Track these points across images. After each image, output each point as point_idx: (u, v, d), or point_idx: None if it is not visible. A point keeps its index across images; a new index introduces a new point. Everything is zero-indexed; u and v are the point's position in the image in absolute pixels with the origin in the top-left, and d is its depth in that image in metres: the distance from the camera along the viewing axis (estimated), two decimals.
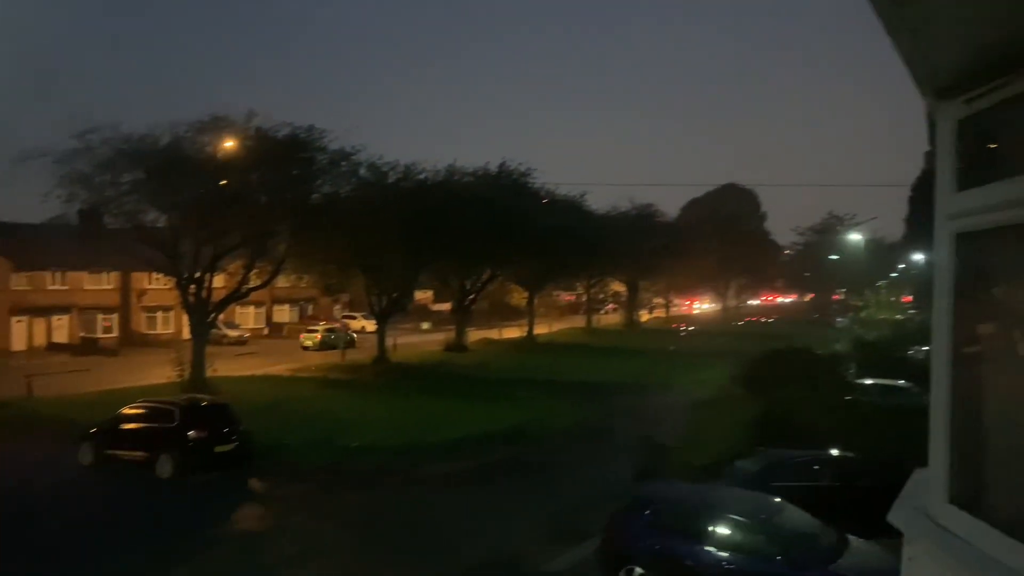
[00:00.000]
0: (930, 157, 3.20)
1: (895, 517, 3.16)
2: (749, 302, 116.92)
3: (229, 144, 29.83)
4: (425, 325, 65.26)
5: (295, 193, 32.42)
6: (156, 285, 48.74)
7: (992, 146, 2.82)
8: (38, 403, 26.85)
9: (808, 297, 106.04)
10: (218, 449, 18.80)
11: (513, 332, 57.30)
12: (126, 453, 18.99)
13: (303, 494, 17.75)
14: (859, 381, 24.52)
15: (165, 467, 18.35)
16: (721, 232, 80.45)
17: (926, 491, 3.06)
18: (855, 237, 65.74)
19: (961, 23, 2.40)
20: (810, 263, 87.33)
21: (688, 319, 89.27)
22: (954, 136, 2.84)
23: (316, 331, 49.98)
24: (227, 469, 18.78)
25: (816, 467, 14.33)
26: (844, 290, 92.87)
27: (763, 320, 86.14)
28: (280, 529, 15.58)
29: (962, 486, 2.85)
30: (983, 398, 2.89)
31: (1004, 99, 2.57)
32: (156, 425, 18.97)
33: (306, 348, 47.29)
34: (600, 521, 12.15)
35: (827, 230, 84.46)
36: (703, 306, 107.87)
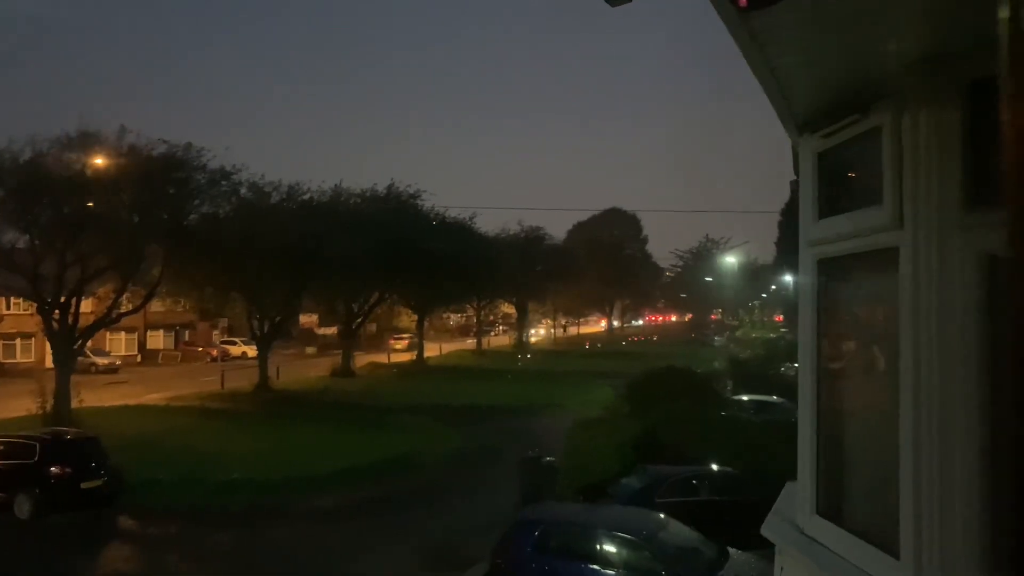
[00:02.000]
0: (794, 185, 3.42)
1: (768, 529, 3.32)
2: (633, 322, 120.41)
3: (98, 161, 28.21)
4: (310, 350, 63.57)
5: (171, 213, 30.97)
6: (15, 310, 45.42)
7: (847, 178, 3.04)
8: None
9: (688, 317, 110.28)
10: (84, 485, 17.54)
11: (402, 356, 56.64)
12: None
13: (176, 533, 16.84)
14: (735, 397, 25.64)
15: (24, 507, 16.96)
16: (605, 255, 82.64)
17: (795, 503, 3.23)
18: (729, 260, 69.09)
19: (813, 66, 2.59)
20: (688, 285, 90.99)
21: (575, 339, 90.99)
22: (814, 168, 3.05)
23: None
24: (94, 507, 17.54)
25: (697, 482, 14.84)
26: (720, 310, 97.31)
27: (646, 339, 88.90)
28: (151, 572, 14.69)
29: (827, 498, 3.02)
30: (845, 413, 3.08)
31: (856, 135, 2.77)
32: (13, 462, 17.54)
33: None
34: (488, 546, 12.11)
35: (703, 253, 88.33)
36: (602, 324, 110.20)
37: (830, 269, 3.05)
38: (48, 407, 27.67)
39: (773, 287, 63.59)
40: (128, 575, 14.62)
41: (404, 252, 40.06)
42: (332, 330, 63.89)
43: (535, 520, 12.26)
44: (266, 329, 39.55)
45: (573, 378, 43.33)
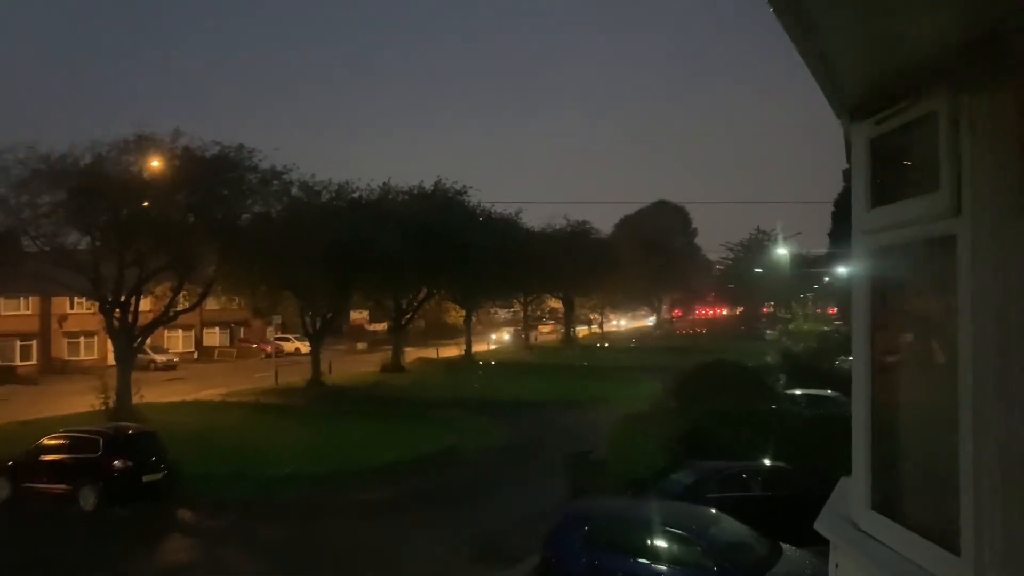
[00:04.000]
0: (847, 174, 3.34)
1: (822, 525, 3.25)
2: (682, 317, 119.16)
3: (154, 164, 29.00)
4: (361, 345, 64.42)
5: (224, 213, 31.67)
6: (79, 310, 46.97)
7: (901, 165, 2.95)
8: None
9: (738, 311, 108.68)
10: (145, 479, 18.14)
11: (450, 351, 57.04)
12: (46, 486, 18.13)
13: (231, 525, 17.24)
14: (787, 392, 25.19)
15: (88, 499, 17.59)
16: (652, 249, 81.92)
17: (850, 499, 3.16)
18: (781, 252, 67.78)
19: (865, 50, 2.52)
20: (739, 278, 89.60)
21: (623, 333, 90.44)
22: (867, 155, 2.97)
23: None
24: (154, 500, 18.12)
25: (748, 477, 14.63)
26: (772, 304, 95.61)
27: (695, 333, 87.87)
28: (208, 563, 15.09)
29: (882, 492, 2.95)
30: (901, 407, 3.00)
31: (910, 120, 2.69)
32: (79, 456, 18.20)
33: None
34: (535, 540, 12.12)
35: (754, 245, 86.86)
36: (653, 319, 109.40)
37: (884, 258, 2.97)
38: (110, 403, 28.59)
39: (826, 279, 62.21)
40: (186, 566, 15.04)
41: (451, 248, 40.32)
42: (382, 326, 64.68)
43: (584, 514, 12.24)
44: (318, 326, 40.23)
45: (620, 373, 43.08)
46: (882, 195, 2.92)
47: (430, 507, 17.82)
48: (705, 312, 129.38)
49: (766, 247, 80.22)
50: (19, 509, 18.03)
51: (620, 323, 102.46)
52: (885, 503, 2.89)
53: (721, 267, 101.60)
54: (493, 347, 64.69)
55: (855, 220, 3.10)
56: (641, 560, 10.92)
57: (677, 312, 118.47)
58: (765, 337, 60.15)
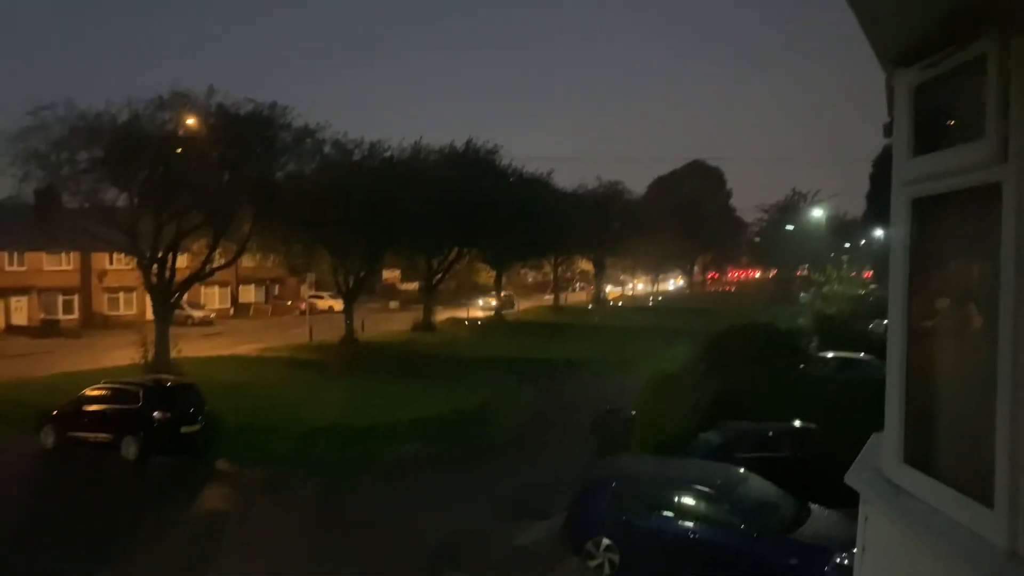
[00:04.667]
0: (889, 128, 3.26)
1: (852, 478, 3.25)
2: (718, 279, 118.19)
3: (189, 121, 29.22)
4: (393, 304, 64.98)
5: (258, 171, 31.91)
6: (117, 266, 47.89)
7: (945, 112, 2.87)
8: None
9: (772, 273, 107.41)
10: (184, 430, 18.61)
11: (481, 311, 57.31)
12: (89, 435, 18.71)
13: (268, 476, 17.65)
14: (820, 355, 24.96)
15: (130, 449, 18.13)
16: (685, 210, 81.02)
17: (882, 453, 3.15)
18: (817, 214, 66.66)
19: None
20: (773, 240, 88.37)
21: (655, 295, 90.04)
22: (910, 102, 2.89)
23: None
24: (193, 451, 18.61)
25: (778, 438, 14.60)
26: (806, 266, 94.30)
27: (727, 295, 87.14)
28: (245, 513, 15.51)
29: (915, 446, 2.93)
30: (936, 361, 2.97)
31: (958, 65, 2.61)
32: (120, 407, 18.72)
33: None
34: (565, 498, 12.27)
35: (790, 207, 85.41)
36: (680, 283, 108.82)
37: (925, 210, 2.91)
38: (149, 357, 29.29)
39: (863, 242, 61.10)
40: (225, 515, 15.48)
41: (482, 208, 40.26)
42: (413, 286, 65.10)
43: (612, 473, 12.35)
44: (351, 284, 40.62)
45: (651, 335, 43.01)
46: (924, 144, 2.85)
47: (461, 464, 18.08)
48: (738, 274, 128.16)
49: (802, 209, 78.94)
50: (64, 457, 18.67)
51: (651, 285, 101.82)
52: (917, 457, 2.88)
53: (755, 229, 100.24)
54: (523, 307, 64.84)
55: (895, 171, 3.04)
56: (669, 518, 11.03)
57: (714, 274, 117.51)
58: (798, 300, 59.40)
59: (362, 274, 41.31)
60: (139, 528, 14.11)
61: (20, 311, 48.00)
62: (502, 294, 60.65)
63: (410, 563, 11.99)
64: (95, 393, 19.35)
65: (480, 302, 59.43)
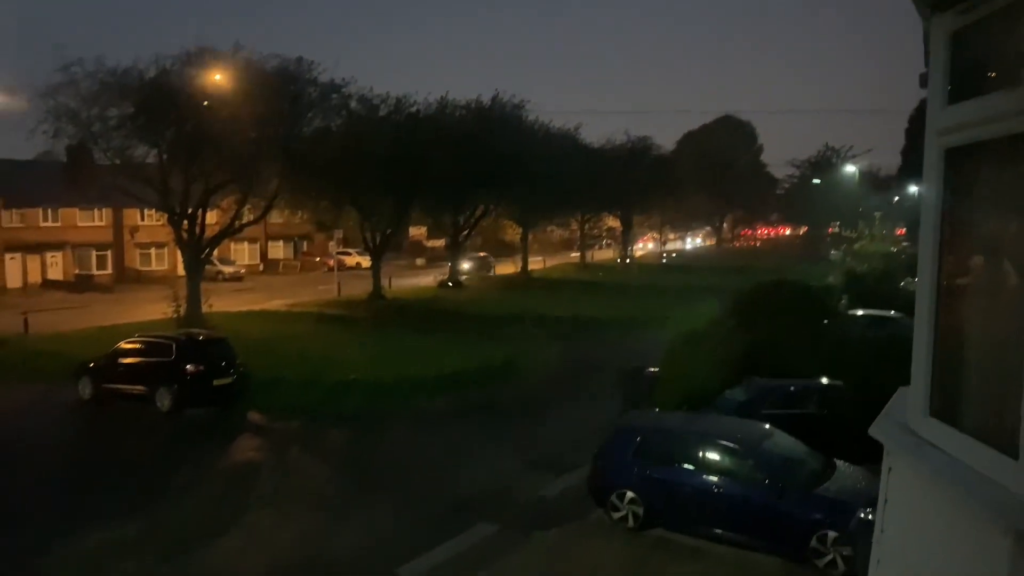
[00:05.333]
0: (925, 78, 3.18)
1: (876, 431, 3.25)
2: (750, 236, 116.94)
3: (217, 77, 29.23)
4: (420, 261, 65.23)
5: (285, 127, 31.94)
6: (149, 222, 48.52)
7: (983, 59, 2.79)
8: (35, 340, 26.96)
9: (802, 231, 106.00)
10: (216, 383, 18.99)
11: (507, 268, 57.35)
12: (125, 387, 19.17)
13: (299, 429, 18.02)
14: (850, 313, 24.73)
15: (164, 400, 18.57)
16: (715, 166, 79.85)
17: (907, 406, 3.14)
18: (850, 169, 65.39)
19: None
20: (805, 196, 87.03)
21: (682, 252, 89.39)
22: (947, 48, 2.82)
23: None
24: (225, 403, 19.00)
25: (805, 395, 14.57)
26: (838, 224, 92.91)
27: (757, 252, 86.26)
28: (277, 463, 15.89)
29: (941, 400, 2.92)
30: (965, 315, 2.94)
31: (996, 10, 2.53)
32: (154, 359, 19.12)
33: None
34: (590, 452, 12.39)
35: (822, 163, 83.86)
36: (698, 241, 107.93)
37: (958, 161, 2.86)
38: (181, 311, 29.79)
39: (896, 199, 59.98)
40: (258, 464, 15.88)
41: (508, 164, 39.98)
42: (440, 242, 65.24)
43: (636, 426, 12.43)
44: (378, 241, 40.81)
45: (678, 292, 42.80)
46: (960, 92, 2.78)
47: (487, 418, 18.30)
48: (768, 231, 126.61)
49: (834, 165, 77.44)
50: (101, 407, 19.20)
51: (679, 243, 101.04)
52: (943, 410, 2.87)
53: (786, 185, 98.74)
54: (549, 265, 64.74)
55: (929, 120, 2.98)
56: (692, 471, 11.11)
57: (746, 231, 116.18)
58: (829, 257, 58.68)
59: (389, 231, 41.45)
60: (175, 475, 14.55)
61: (56, 266, 48.97)
62: (479, 254, 58.50)
63: (438, 512, 12.24)
64: (129, 346, 19.77)
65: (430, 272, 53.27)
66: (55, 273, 48.51)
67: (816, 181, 72.84)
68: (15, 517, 12.02)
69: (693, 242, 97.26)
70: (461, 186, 39.45)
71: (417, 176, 35.94)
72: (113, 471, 14.70)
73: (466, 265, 53.53)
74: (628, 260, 71.77)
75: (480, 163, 37.89)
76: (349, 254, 58.55)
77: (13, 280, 46.16)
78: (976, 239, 2.97)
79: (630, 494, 11.39)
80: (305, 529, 11.84)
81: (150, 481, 14.05)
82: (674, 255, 79.30)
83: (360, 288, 40.57)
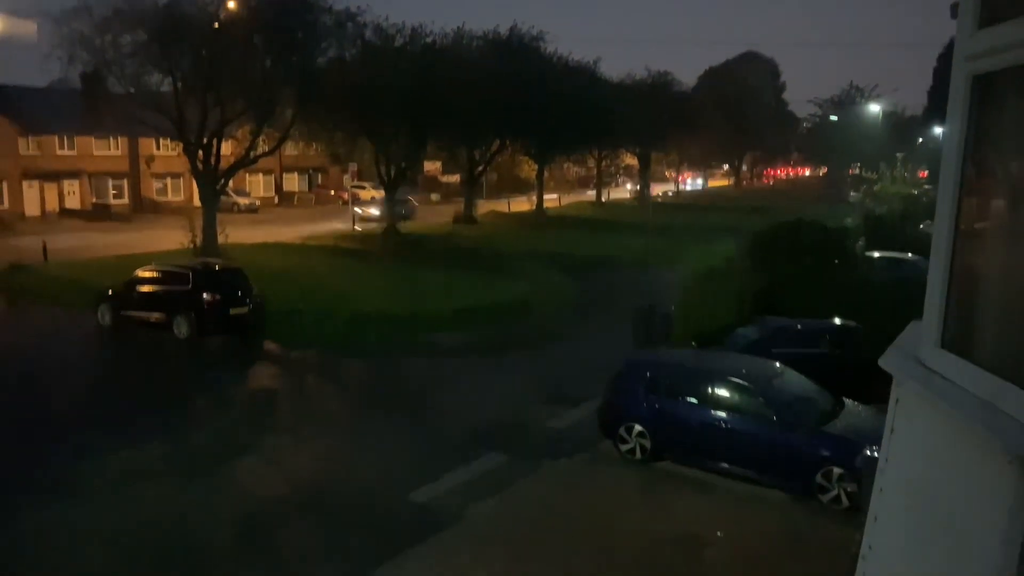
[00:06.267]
0: (955, 9, 3.08)
1: (886, 361, 3.25)
2: (773, 176, 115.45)
3: (231, 4, 28.74)
4: (434, 196, 64.99)
5: (300, 56, 31.50)
6: (165, 151, 48.43)
7: None
8: (54, 267, 27.29)
9: (822, 171, 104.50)
10: (233, 312, 19.21)
11: (522, 205, 57.04)
12: (143, 314, 19.44)
13: (314, 359, 18.27)
14: (867, 254, 24.56)
15: (182, 328, 18.84)
16: (736, 103, 78.28)
17: (919, 338, 3.14)
18: (874, 109, 63.96)
19: None
20: (827, 136, 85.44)
21: (701, 192, 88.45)
22: None
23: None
24: (241, 332, 19.25)
25: (816, 335, 14.59)
26: (859, 165, 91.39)
27: (776, 192, 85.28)
28: (293, 390, 16.19)
29: (954, 332, 2.91)
30: (983, 244, 2.91)
31: None
32: (171, 288, 19.33)
33: None
34: (601, 386, 12.53)
35: (846, 101, 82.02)
36: (698, 182, 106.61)
37: (986, 88, 2.78)
38: (197, 241, 29.96)
39: (920, 140, 58.79)
40: (273, 391, 16.19)
41: (525, 97, 39.38)
42: (455, 178, 64.86)
43: (648, 362, 12.53)
44: (392, 175, 40.58)
45: (695, 232, 42.58)
46: (992, 14, 2.69)
47: (501, 352, 18.46)
48: (787, 172, 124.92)
49: (858, 104, 75.75)
50: (121, 334, 19.53)
51: (696, 181, 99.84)
52: (955, 341, 2.86)
53: (808, 124, 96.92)
54: (565, 203, 64.30)
55: (957, 46, 2.89)
56: (701, 407, 11.23)
57: (769, 171, 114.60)
58: (848, 199, 57.94)
59: (404, 165, 41.17)
60: (194, 400, 14.90)
61: (73, 195, 49.20)
62: (406, 197, 48.48)
63: (450, 441, 12.49)
64: (147, 275, 19.96)
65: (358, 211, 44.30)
66: (72, 202, 48.77)
67: (833, 118, 71.28)
68: (38, 440, 12.36)
69: (694, 182, 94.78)
70: (477, 120, 38.90)
71: (432, 109, 35.49)
72: (133, 396, 15.04)
73: (374, 211, 44.83)
74: (645, 198, 71.09)
75: (497, 96, 37.33)
76: (364, 188, 58.36)
77: (31, 208, 46.48)
78: (999, 168, 2.92)
79: (638, 427, 11.56)
80: (321, 454, 12.14)
81: (169, 405, 14.38)
82: (669, 194, 78.09)
83: (375, 222, 40.54)
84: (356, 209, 43.54)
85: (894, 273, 20.28)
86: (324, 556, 8.93)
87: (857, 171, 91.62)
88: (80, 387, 15.55)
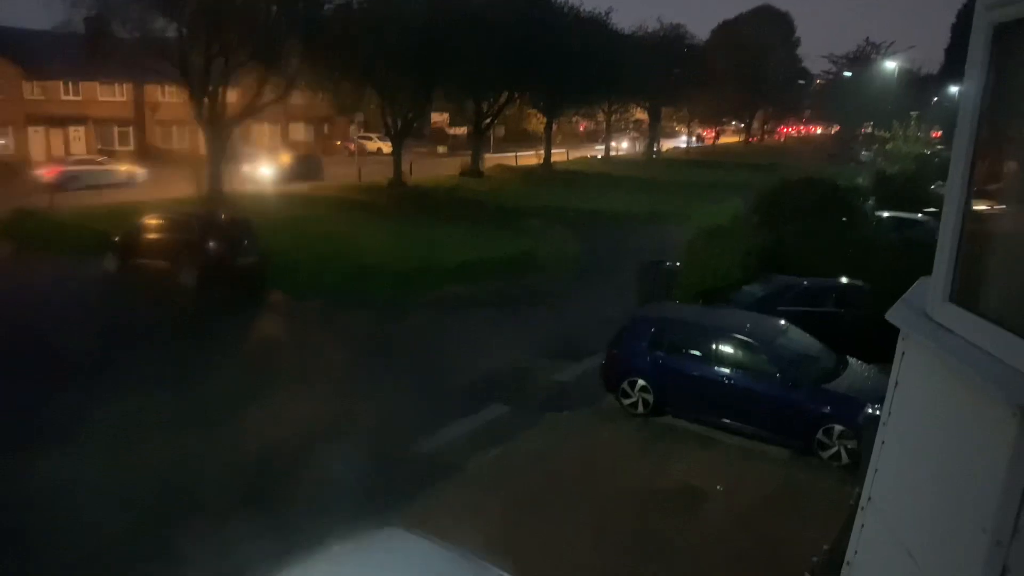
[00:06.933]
0: None
1: (893, 315, 3.25)
2: (776, 132, 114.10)
3: None
4: (441, 149, 64.50)
5: (305, 2, 31.01)
6: (170, 99, 48.02)
7: None
8: (60, 213, 27.28)
9: (834, 129, 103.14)
10: (238, 261, 19.23)
11: (529, 159, 56.61)
12: (149, 262, 19.48)
13: (319, 309, 18.30)
14: (876, 214, 24.37)
15: (188, 277, 18.87)
16: (750, 59, 76.96)
17: (927, 292, 3.13)
18: (890, 66, 62.83)
19: None
20: (840, 93, 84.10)
21: (710, 149, 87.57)
22: None
23: None
24: (247, 282, 19.26)
25: (822, 293, 14.57)
26: (871, 123, 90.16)
27: (786, 150, 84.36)
28: (299, 341, 16.29)
29: (962, 286, 2.90)
30: (995, 200, 2.88)
31: None
32: (177, 236, 19.34)
33: None
34: (604, 341, 12.57)
35: (861, 58, 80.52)
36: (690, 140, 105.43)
37: (1008, 39, 2.72)
38: (203, 190, 29.89)
39: (935, 99, 57.82)
40: (279, 341, 16.30)
41: (534, 48, 38.79)
42: (462, 130, 64.30)
43: (652, 317, 12.55)
44: (399, 126, 40.21)
45: (703, 189, 42.25)
46: None
47: (506, 306, 18.48)
48: (800, 129, 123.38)
49: (873, 61, 74.40)
50: (127, 281, 19.59)
51: (710, 137, 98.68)
52: (963, 295, 2.85)
53: (821, 81, 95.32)
54: (573, 157, 63.79)
55: None
56: (704, 363, 11.27)
57: (782, 128, 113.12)
58: (859, 158, 57.27)
59: (410, 115, 40.77)
60: (199, 348, 15.00)
61: (78, 141, 48.98)
62: (314, 153, 45.14)
63: (454, 393, 12.60)
64: (154, 223, 19.97)
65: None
66: (78, 148, 48.53)
67: (847, 74, 70.05)
68: (43, 385, 12.49)
69: (688, 140, 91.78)
70: (485, 69, 38.35)
71: (440, 57, 34.99)
72: (139, 343, 15.17)
73: (265, 170, 39.08)
74: (655, 154, 70.49)
75: (506, 45, 36.78)
76: (370, 139, 57.92)
77: (37, 154, 46.29)
78: (1016, 122, 2.87)
79: (641, 382, 11.63)
80: (325, 403, 12.25)
81: (174, 354, 14.50)
82: (682, 146, 76.92)
83: (381, 174, 40.31)
84: (246, 167, 38.48)
85: (903, 233, 20.14)
86: (327, 503, 9.07)
87: (869, 130, 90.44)
88: (85, 334, 15.65)
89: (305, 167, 41.32)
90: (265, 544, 7.00)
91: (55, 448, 10.07)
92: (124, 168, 38.42)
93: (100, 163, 38.71)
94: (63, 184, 33.04)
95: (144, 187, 34.11)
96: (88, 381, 12.67)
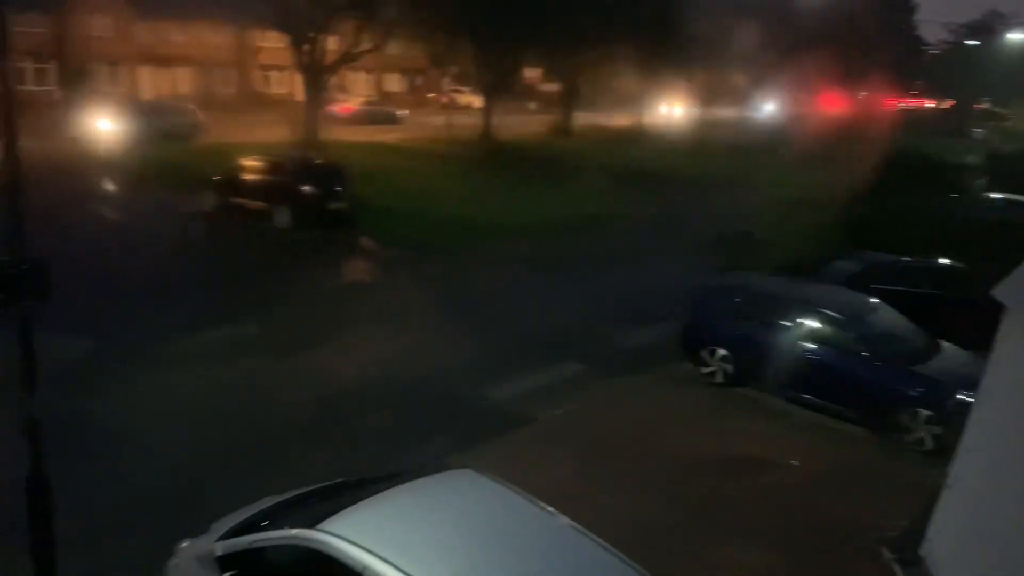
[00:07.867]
0: None
1: (1000, 292, 3.10)
2: (884, 103, 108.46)
3: None
4: (532, 105, 63.90)
5: None
6: (270, 43, 49.11)
7: None
8: (163, 152, 28.38)
9: (948, 104, 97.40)
10: (330, 206, 19.77)
11: (623, 119, 55.49)
12: (246, 202, 20.20)
13: (403, 257, 18.61)
14: (986, 194, 23.07)
15: (282, 218, 19.53)
16: (869, 24, 72.94)
17: None
18: (1017, 38, 58.67)
19: None
20: (958, 65, 79.15)
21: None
22: None
23: None
24: (338, 226, 19.83)
25: (919, 274, 13.97)
26: (989, 99, 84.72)
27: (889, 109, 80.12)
28: (381, 285, 16.70)
29: None
30: None
31: None
32: (273, 179, 19.97)
33: None
34: (681, 308, 12.40)
35: (984, 29, 75.44)
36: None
37: None
38: (299, 136, 30.62)
39: None
40: (362, 284, 16.75)
41: (634, 7, 37.73)
42: (554, 87, 63.41)
43: (738, 285, 12.31)
44: (491, 81, 40.02)
45: (802, 157, 40.68)
46: None
47: (581, 266, 18.32)
48: (910, 101, 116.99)
49: (998, 32, 69.60)
50: (224, 220, 20.36)
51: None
52: None
53: (936, 52, 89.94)
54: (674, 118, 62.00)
55: None
56: (790, 336, 10.97)
57: (891, 99, 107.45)
58: (973, 135, 54.04)
59: (503, 70, 40.46)
60: (288, 286, 15.60)
61: (184, 82, 50.71)
62: (188, 106, 35.34)
63: (528, 346, 12.69)
64: (251, 164, 20.63)
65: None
66: (184, 89, 50.29)
67: (973, 43, 65.70)
68: (144, 312, 13.21)
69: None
70: (580, 24, 37.53)
71: (534, 14, 34.45)
72: (232, 278, 15.87)
73: (105, 124, 31.10)
74: (751, 120, 68.06)
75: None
76: (462, 92, 57.91)
77: (145, 93, 48.23)
78: None
79: (722, 351, 11.45)
80: (404, 346, 12.57)
81: (265, 290, 15.12)
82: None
83: (470, 128, 40.39)
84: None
85: (1015, 215, 18.98)
86: (400, 440, 9.38)
87: (987, 106, 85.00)
88: (183, 268, 16.42)
89: (380, 115, 47.91)
90: (336, 476, 7.28)
91: (150, 367, 10.78)
92: (397, 111, 49.39)
93: (380, 104, 51.84)
94: (357, 119, 43.22)
95: (245, 128, 35.04)
96: (180, 310, 13.47)
